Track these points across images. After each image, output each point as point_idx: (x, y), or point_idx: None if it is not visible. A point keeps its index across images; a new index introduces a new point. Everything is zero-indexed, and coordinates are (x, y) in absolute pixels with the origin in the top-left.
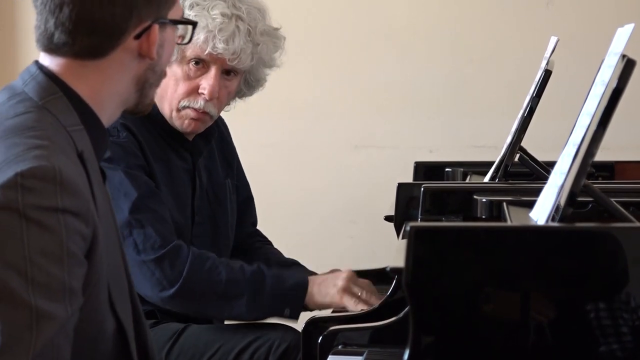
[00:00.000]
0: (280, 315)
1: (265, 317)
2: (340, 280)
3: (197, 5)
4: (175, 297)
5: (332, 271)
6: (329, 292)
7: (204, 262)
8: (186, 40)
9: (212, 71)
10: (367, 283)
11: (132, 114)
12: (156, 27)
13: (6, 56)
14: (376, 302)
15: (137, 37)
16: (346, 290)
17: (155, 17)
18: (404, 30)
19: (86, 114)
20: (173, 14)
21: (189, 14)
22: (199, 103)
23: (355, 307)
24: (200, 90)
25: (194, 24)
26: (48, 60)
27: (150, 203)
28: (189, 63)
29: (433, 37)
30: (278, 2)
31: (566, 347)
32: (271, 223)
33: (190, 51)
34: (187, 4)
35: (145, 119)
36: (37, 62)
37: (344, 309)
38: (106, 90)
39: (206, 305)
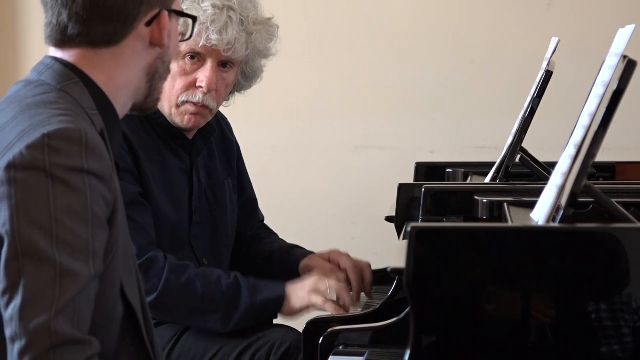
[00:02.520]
0: (256, 324)
1: (240, 329)
2: (308, 282)
3: None
4: (150, 307)
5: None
6: (300, 295)
7: (180, 275)
8: (187, 36)
9: (208, 64)
10: (338, 279)
11: (140, 111)
12: (166, 13)
13: (6, 57)
14: (348, 298)
15: (148, 24)
16: (314, 290)
17: (163, 5)
18: (404, 31)
19: (102, 101)
20: (176, 7)
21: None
22: (198, 97)
23: (323, 305)
24: (197, 84)
25: (195, 19)
26: (60, 54)
27: (130, 212)
28: (184, 58)
29: (434, 38)
30: (279, 3)
31: (567, 348)
32: (272, 224)
33: (185, 45)
34: None
35: (144, 119)
36: (50, 56)
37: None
38: (120, 78)
39: (181, 317)
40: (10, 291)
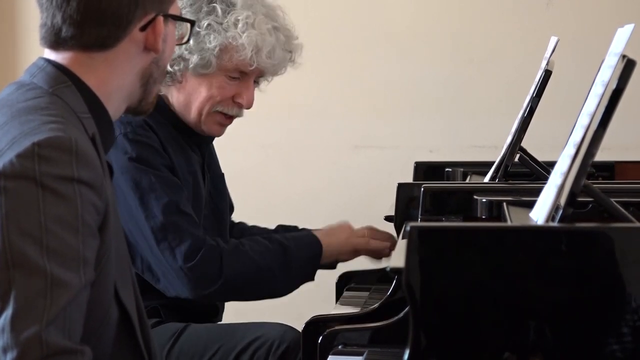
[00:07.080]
0: (310, 278)
1: (298, 286)
2: (344, 231)
3: (240, 21)
4: (216, 294)
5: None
6: (342, 242)
7: (236, 257)
8: (185, 39)
9: (249, 81)
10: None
11: (134, 113)
12: (161, 19)
13: (6, 56)
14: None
15: (143, 29)
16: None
17: (159, 10)
18: (404, 30)
19: (94, 104)
20: (173, 11)
21: (237, 31)
22: (234, 110)
23: (367, 245)
24: (237, 100)
25: (192, 23)
26: (54, 56)
27: (183, 206)
28: (229, 73)
29: (433, 37)
30: (279, 3)
31: (566, 348)
32: (271, 223)
33: (235, 64)
34: (231, 19)
35: (160, 117)
36: (43, 57)
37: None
38: (113, 82)
39: (245, 294)
40: (1, 302)
